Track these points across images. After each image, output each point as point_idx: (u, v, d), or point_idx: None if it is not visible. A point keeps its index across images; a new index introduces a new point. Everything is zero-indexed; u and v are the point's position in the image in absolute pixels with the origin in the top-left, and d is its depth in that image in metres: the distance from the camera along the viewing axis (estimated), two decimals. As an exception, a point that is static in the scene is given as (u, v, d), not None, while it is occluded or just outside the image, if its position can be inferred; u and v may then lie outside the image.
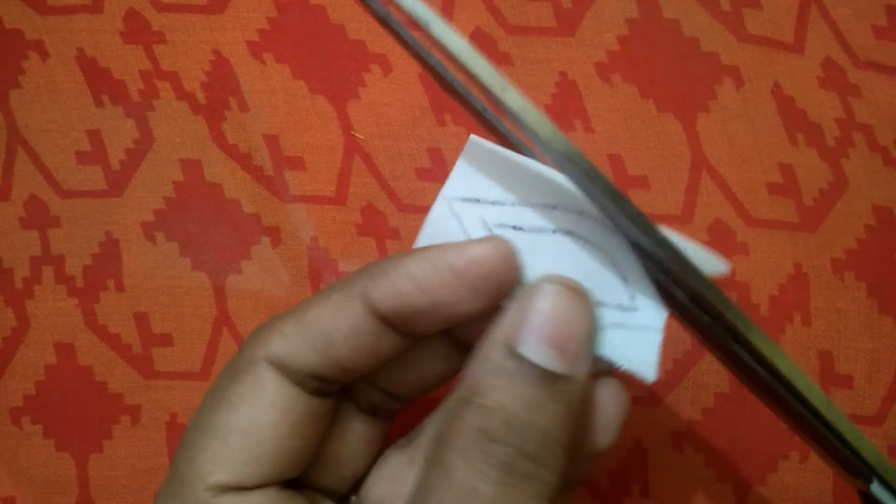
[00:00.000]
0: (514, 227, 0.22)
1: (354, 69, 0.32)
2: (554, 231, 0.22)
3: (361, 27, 0.32)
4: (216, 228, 0.32)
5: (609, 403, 0.22)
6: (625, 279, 0.21)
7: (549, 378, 0.20)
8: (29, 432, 0.31)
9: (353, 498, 0.24)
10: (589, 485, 0.31)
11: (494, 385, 0.20)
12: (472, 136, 0.22)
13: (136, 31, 0.32)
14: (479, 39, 0.32)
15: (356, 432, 0.24)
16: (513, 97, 0.18)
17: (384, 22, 0.22)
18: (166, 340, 0.31)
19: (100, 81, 0.32)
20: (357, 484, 0.25)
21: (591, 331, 0.21)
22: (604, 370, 0.22)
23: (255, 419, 0.21)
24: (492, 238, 0.21)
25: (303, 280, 0.31)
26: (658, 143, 0.31)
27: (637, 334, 0.21)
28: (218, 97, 0.32)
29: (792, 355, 0.31)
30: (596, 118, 0.32)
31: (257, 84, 0.32)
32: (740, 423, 0.30)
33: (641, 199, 0.31)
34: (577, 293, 0.20)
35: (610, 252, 0.21)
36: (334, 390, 0.23)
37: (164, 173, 0.32)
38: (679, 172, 0.31)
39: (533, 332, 0.20)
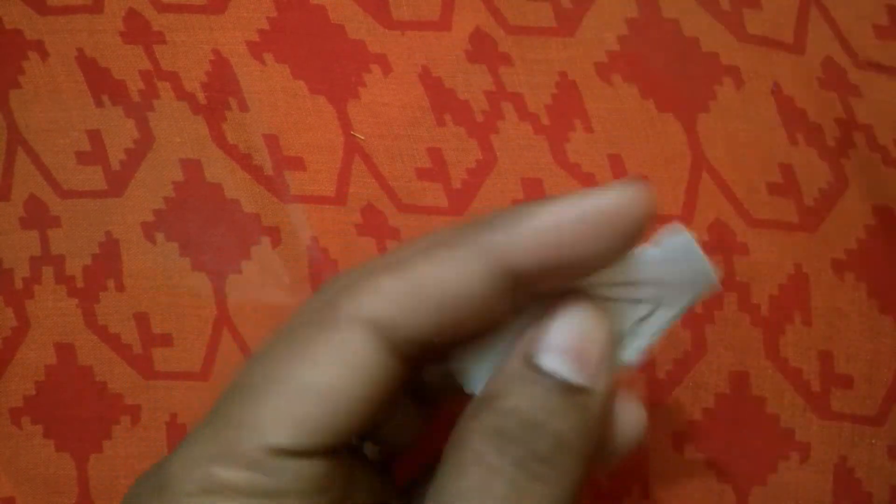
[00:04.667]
0: None
1: (354, 69, 0.32)
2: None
3: (361, 27, 0.32)
4: (216, 228, 0.32)
5: (626, 422, 0.23)
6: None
7: (566, 388, 0.20)
8: (29, 432, 0.31)
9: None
10: (589, 484, 0.31)
11: (511, 390, 0.20)
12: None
13: (136, 31, 0.32)
14: (479, 39, 0.32)
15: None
16: None
17: None
18: (166, 341, 0.31)
19: (100, 81, 0.32)
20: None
21: (609, 347, 0.21)
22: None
23: (339, 383, 0.19)
24: (623, 184, 0.20)
25: (303, 280, 0.31)
26: (658, 143, 0.31)
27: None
28: (218, 97, 0.32)
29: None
30: (596, 118, 0.31)
31: (257, 84, 0.32)
32: (740, 423, 0.30)
33: (641, 199, 0.31)
34: (597, 312, 0.21)
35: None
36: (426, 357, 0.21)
37: (164, 173, 0.32)
38: (679, 172, 0.31)
39: (551, 344, 0.20)
